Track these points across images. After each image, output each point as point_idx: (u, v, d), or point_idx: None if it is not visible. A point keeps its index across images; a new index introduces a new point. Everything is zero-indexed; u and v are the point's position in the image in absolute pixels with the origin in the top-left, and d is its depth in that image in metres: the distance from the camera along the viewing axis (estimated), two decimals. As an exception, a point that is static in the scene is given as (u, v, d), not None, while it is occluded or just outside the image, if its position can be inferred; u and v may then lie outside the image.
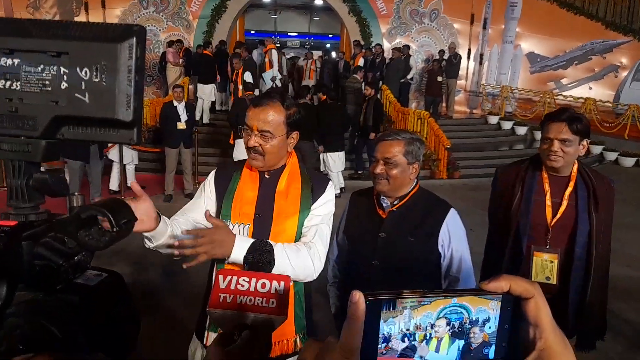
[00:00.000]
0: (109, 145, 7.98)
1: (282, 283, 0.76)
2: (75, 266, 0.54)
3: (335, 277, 2.39)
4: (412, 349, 0.50)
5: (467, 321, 0.50)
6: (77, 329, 0.53)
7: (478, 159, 10.70)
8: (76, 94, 0.51)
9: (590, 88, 15.15)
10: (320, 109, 8.34)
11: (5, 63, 0.51)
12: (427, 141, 10.07)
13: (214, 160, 9.30)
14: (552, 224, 2.31)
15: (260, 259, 1.06)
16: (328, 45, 24.61)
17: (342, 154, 8.32)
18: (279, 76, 12.00)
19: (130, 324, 0.61)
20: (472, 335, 0.51)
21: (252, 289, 0.74)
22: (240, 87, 9.32)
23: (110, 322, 0.58)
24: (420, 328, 0.49)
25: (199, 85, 11.45)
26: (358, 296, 0.47)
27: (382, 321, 0.48)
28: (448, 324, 0.50)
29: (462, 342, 0.51)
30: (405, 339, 0.49)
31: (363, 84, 10.66)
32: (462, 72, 13.91)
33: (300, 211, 1.81)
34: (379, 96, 11.98)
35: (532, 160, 2.44)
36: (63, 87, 0.51)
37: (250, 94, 8.14)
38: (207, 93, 11.40)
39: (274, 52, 11.62)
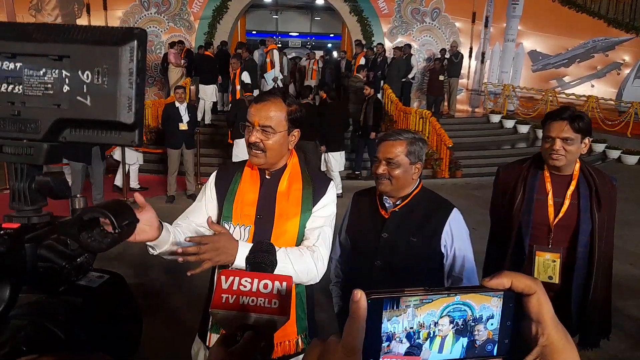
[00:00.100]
0: (112, 146, 8.01)
1: (285, 283, 0.76)
2: (77, 268, 0.54)
3: (338, 277, 2.39)
4: (418, 347, 0.50)
5: (471, 318, 0.50)
6: (80, 330, 0.53)
7: (480, 157, 10.69)
8: (78, 97, 0.51)
9: (593, 86, 15.11)
10: (320, 109, 8.34)
11: (8, 67, 0.51)
12: (429, 140, 10.06)
13: (216, 160, 9.32)
14: (554, 223, 2.31)
15: (262, 259, 1.06)
16: (329, 45, 24.60)
17: (342, 154, 8.32)
18: (281, 76, 12.01)
19: (132, 324, 0.62)
20: (476, 332, 0.51)
21: (254, 289, 0.74)
22: (238, 87, 9.35)
23: (112, 323, 0.58)
24: (424, 326, 0.49)
25: (201, 86, 11.47)
26: (360, 295, 0.47)
27: (385, 320, 0.48)
28: (451, 321, 0.50)
29: (466, 340, 0.51)
30: (410, 337, 0.49)
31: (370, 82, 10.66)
32: (463, 70, 13.90)
33: (302, 212, 1.81)
34: (381, 96, 12.01)
35: (534, 159, 2.43)
36: (65, 90, 0.51)
37: (249, 94, 8.15)
38: (209, 94, 11.43)
39: (276, 53, 11.63)
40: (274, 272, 0.98)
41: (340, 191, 7.81)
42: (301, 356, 1.85)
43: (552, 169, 2.33)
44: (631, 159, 11.84)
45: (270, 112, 1.75)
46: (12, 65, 0.51)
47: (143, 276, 4.80)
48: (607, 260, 2.33)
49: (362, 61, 11.93)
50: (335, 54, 17.55)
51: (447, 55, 13.20)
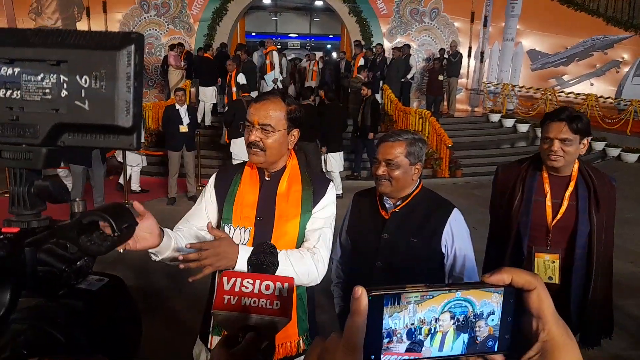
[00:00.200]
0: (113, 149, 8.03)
1: (286, 284, 0.76)
2: (77, 271, 0.55)
3: (339, 278, 2.40)
4: (419, 344, 0.50)
5: (472, 315, 0.51)
6: (80, 333, 0.54)
7: (480, 157, 10.70)
8: (76, 102, 0.51)
9: (592, 84, 15.12)
10: (319, 109, 8.35)
11: (6, 72, 0.51)
12: (429, 140, 10.07)
13: (217, 162, 9.33)
14: (552, 224, 2.30)
15: (263, 260, 1.06)
16: (329, 46, 24.61)
17: (341, 154, 8.34)
18: (281, 78, 12.02)
19: (132, 327, 0.62)
20: (477, 329, 0.51)
21: (256, 290, 0.75)
22: (234, 89, 9.37)
23: (112, 326, 0.59)
24: (425, 322, 0.50)
25: (200, 88, 11.49)
26: (360, 292, 0.47)
27: (387, 316, 0.48)
28: (452, 317, 0.50)
29: (466, 336, 0.51)
30: (411, 333, 0.49)
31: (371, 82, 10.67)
32: (463, 70, 13.91)
33: (302, 214, 1.82)
34: (380, 96, 12.02)
35: (533, 159, 2.42)
36: (63, 95, 0.51)
37: (246, 95, 8.17)
38: (209, 96, 11.44)
39: (275, 54, 11.65)
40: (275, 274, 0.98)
41: (341, 192, 7.81)
42: (302, 357, 1.86)
43: (550, 169, 2.32)
44: (631, 157, 11.84)
45: (270, 111, 1.76)
46: (10, 71, 0.51)
47: (144, 279, 4.80)
48: (606, 260, 2.32)
49: (361, 62, 11.94)
50: (334, 54, 17.57)
51: (446, 55, 13.21)
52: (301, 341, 1.86)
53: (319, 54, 14.70)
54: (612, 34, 14.89)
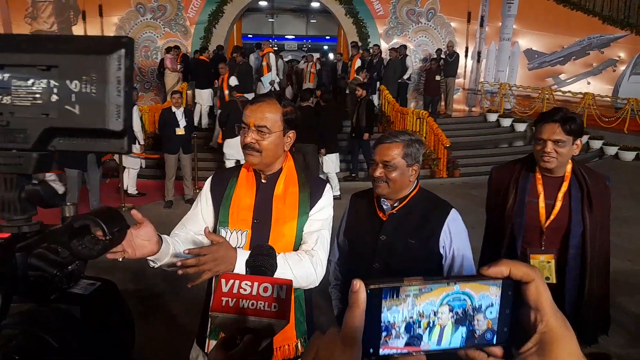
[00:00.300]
0: (107, 154, 8.05)
1: (285, 287, 0.76)
2: (69, 276, 0.55)
3: (337, 279, 2.39)
4: (418, 338, 0.50)
5: (470, 308, 0.51)
6: (72, 337, 0.54)
7: (478, 157, 10.71)
8: (66, 106, 0.51)
9: (589, 83, 15.15)
10: (315, 111, 8.36)
11: (-4, 78, 0.52)
12: (427, 140, 10.08)
13: (214, 165, 9.31)
14: (546, 225, 2.31)
15: (262, 262, 1.06)
16: (325, 47, 24.62)
17: (337, 155, 8.35)
18: (278, 79, 12.02)
19: (125, 331, 0.62)
20: (476, 322, 0.51)
21: (254, 293, 0.75)
22: (227, 92, 9.39)
23: (105, 330, 0.59)
24: (423, 316, 0.50)
25: (197, 91, 11.49)
26: (359, 285, 0.47)
27: (385, 309, 0.48)
28: (451, 310, 0.50)
29: (465, 329, 0.51)
30: (409, 327, 0.49)
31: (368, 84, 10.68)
32: (460, 70, 13.92)
33: (299, 216, 1.81)
34: (377, 97, 12.04)
35: (526, 160, 2.42)
36: (53, 100, 0.52)
37: (240, 95, 8.17)
38: (205, 98, 11.43)
39: (272, 56, 11.64)
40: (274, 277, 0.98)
41: (338, 193, 7.81)
42: None
43: (544, 170, 2.32)
44: (628, 155, 11.87)
45: (266, 113, 1.76)
46: (0, 76, 0.52)
47: (142, 282, 4.79)
48: (602, 260, 2.32)
49: (358, 63, 11.96)
50: (331, 56, 17.58)
51: (443, 56, 13.23)
52: (299, 344, 1.85)
53: (316, 56, 14.71)
54: (608, 32, 14.93)
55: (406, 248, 2.00)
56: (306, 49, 24.85)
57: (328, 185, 1.96)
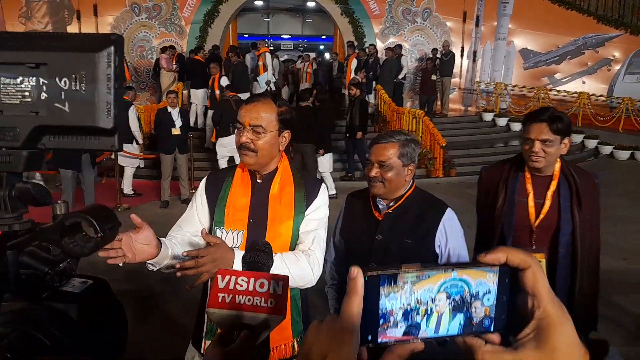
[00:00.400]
0: (103, 153, 8.03)
1: (281, 283, 0.76)
2: (60, 273, 0.55)
3: (333, 279, 2.39)
4: (416, 327, 0.50)
5: (468, 295, 0.51)
6: (64, 336, 0.53)
7: (474, 156, 10.73)
8: (56, 104, 0.51)
9: (584, 82, 15.21)
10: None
11: (-16, 76, 0.51)
12: (423, 140, 10.09)
13: (210, 165, 9.30)
14: (535, 224, 2.32)
15: (258, 258, 1.06)
16: (322, 47, 24.63)
17: (330, 155, 8.35)
18: (274, 79, 12.00)
19: (117, 329, 0.62)
20: (473, 309, 0.51)
21: (250, 289, 0.75)
22: (217, 92, 9.38)
23: (97, 328, 0.58)
24: (421, 303, 0.50)
25: (192, 91, 11.46)
26: (356, 272, 0.47)
27: (383, 296, 0.48)
28: (448, 297, 0.50)
29: (463, 317, 0.51)
30: (407, 314, 0.49)
31: (365, 84, 10.71)
32: (456, 70, 13.95)
33: (295, 215, 1.81)
34: (374, 96, 12.04)
35: (515, 160, 2.43)
36: (43, 98, 0.51)
37: (233, 94, 8.16)
38: (200, 98, 11.40)
39: (268, 56, 11.62)
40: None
41: (334, 191, 7.82)
42: None
43: (532, 170, 2.34)
44: (623, 154, 11.92)
45: (261, 113, 1.76)
46: (-12, 74, 0.51)
47: (139, 283, 4.78)
48: (592, 258, 2.33)
49: (354, 62, 11.96)
50: (327, 55, 17.57)
51: (439, 55, 13.25)
52: (295, 343, 1.86)
53: (312, 55, 14.70)
54: (603, 32, 14.99)
55: (402, 247, 2.00)
56: (302, 48, 24.83)
57: (324, 185, 1.96)
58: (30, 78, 0.51)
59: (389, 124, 11.21)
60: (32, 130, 0.52)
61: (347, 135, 9.10)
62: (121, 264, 1.44)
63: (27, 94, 0.51)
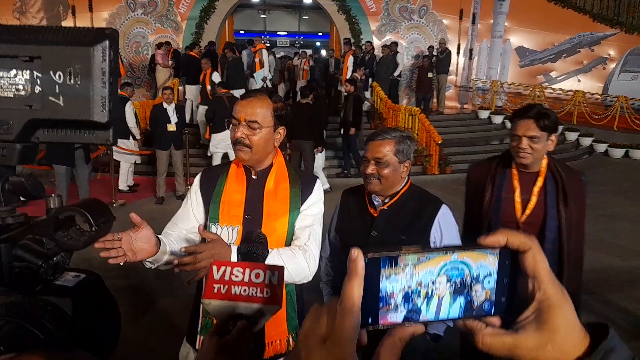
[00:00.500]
0: (97, 150, 8.01)
1: (277, 273, 0.76)
2: (54, 267, 0.55)
3: (328, 275, 2.40)
4: (416, 312, 0.50)
5: (468, 277, 0.51)
6: (57, 329, 0.54)
7: (470, 153, 10.74)
8: (50, 98, 0.51)
9: (579, 80, 15.27)
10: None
11: (-23, 69, 0.51)
12: (419, 137, 10.11)
13: (205, 161, 9.28)
14: (522, 220, 2.33)
15: (253, 249, 1.06)
16: (318, 44, 24.59)
17: (323, 151, 8.36)
18: (270, 76, 11.98)
19: (110, 323, 0.62)
20: (474, 292, 0.51)
21: (246, 279, 0.75)
22: (209, 87, 9.36)
23: (90, 322, 0.58)
24: (422, 285, 0.49)
25: (187, 87, 11.42)
26: (357, 253, 0.47)
27: (384, 278, 0.48)
28: (448, 280, 0.50)
29: (463, 300, 0.51)
30: (407, 297, 0.49)
31: (364, 81, 10.70)
32: (452, 67, 13.96)
33: (290, 211, 1.82)
34: (370, 93, 12.04)
35: (503, 156, 2.45)
36: (37, 91, 0.51)
37: (226, 91, 8.14)
38: (195, 94, 11.36)
39: (265, 52, 11.59)
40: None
41: (327, 185, 7.84)
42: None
43: (519, 166, 2.35)
44: (618, 152, 11.98)
45: (257, 108, 1.76)
46: (-19, 68, 0.51)
47: (134, 278, 4.78)
48: (577, 254, 2.36)
49: (350, 59, 11.95)
50: (323, 52, 17.54)
51: (435, 53, 13.26)
52: (290, 339, 1.86)
53: (308, 52, 14.67)
54: (599, 30, 15.05)
55: (397, 244, 2.01)
56: (298, 45, 24.79)
57: (318, 181, 1.96)
58: (24, 71, 0.51)
59: (385, 122, 11.22)
60: (26, 124, 0.52)
61: (342, 131, 9.10)
62: (122, 263, 1.45)
63: (21, 87, 0.51)
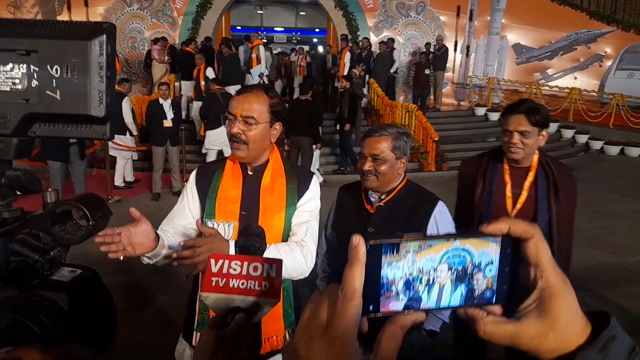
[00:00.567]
0: (93, 146, 7.98)
1: (274, 266, 0.76)
2: (50, 262, 0.54)
3: (324, 272, 2.40)
4: (417, 300, 0.50)
5: (470, 265, 0.50)
6: (54, 323, 0.54)
7: (466, 150, 10.75)
8: (47, 92, 0.51)
9: (576, 78, 15.31)
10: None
11: (-26, 63, 0.51)
12: (416, 134, 10.12)
13: (201, 157, 9.26)
14: (512, 214, 2.35)
15: (251, 242, 1.06)
16: (315, 40, 24.54)
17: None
18: (267, 72, 11.95)
19: (107, 319, 0.62)
20: (475, 281, 0.51)
21: (244, 272, 0.75)
22: (203, 83, 9.32)
23: (86, 317, 0.58)
24: (423, 272, 0.49)
25: (183, 82, 11.37)
26: (358, 239, 0.47)
27: (385, 265, 0.48)
28: (450, 268, 0.50)
29: (464, 288, 0.51)
30: (408, 284, 0.49)
31: (362, 77, 10.69)
32: (449, 64, 13.98)
33: (287, 207, 1.82)
34: (367, 90, 12.03)
35: (494, 152, 2.47)
36: (34, 85, 0.51)
37: (219, 88, 8.12)
38: (191, 90, 11.33)
39: (261, 48, 11.56)
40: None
41: (322, 178, 7.86)
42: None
43: (511, 161, 2.37)
44: (613, 150, 12.03)
45: (253, 104, 1.75)
46: (-23, 61, 0.51)
47: (130, 274, 4.77)
48: (566, 249, 2.38)
49: (347, 55, 11.93)
50: (320, 48, 17.51)
51: (432, 49, 13.26)
52: (287, 335, 1.86)
53: (305, 48, 14.64)
54: (595, 28, 15.08)
55: (394, 239, 2.01)
56: (295, 41, 24.73)
57: (315, 176, 1.96)
58: (21, 65, 0.51)
59: (382, 118, 11.22)
60: (22, 118, 0.51)
61: (337, 127, 9.11)
62: (121, 258, 1.45)
63: (17, 81, 0.51)
